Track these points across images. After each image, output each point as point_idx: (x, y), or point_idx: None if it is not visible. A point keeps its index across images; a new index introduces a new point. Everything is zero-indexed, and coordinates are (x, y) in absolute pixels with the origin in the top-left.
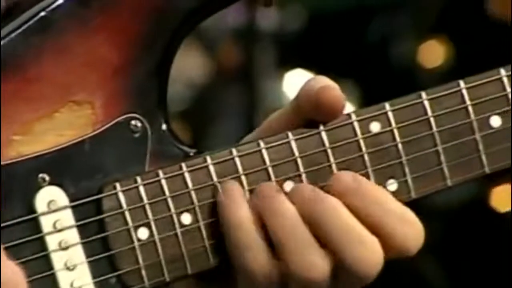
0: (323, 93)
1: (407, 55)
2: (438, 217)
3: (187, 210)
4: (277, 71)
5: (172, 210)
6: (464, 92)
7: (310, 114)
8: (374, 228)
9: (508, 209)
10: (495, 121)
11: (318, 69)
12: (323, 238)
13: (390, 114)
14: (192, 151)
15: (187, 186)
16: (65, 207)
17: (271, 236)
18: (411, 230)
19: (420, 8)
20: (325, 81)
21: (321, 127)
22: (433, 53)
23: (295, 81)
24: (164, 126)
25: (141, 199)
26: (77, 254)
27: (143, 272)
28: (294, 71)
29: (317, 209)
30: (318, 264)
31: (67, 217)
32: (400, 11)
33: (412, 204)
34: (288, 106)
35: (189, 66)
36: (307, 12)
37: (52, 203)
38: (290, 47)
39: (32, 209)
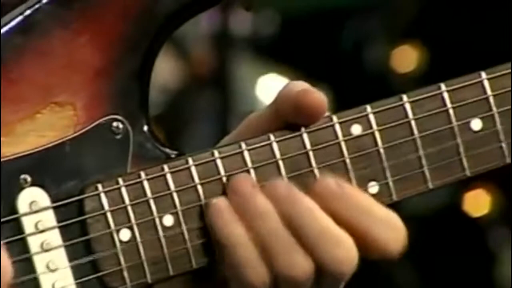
0: (304, 96)
1: (380, 60)
2: (411, 222)
3: (169, 212)
4: (251, 75)
5: (154, 211)
6: (445, 95)
7: (290, 117)
8: (357, 232)
9: (480, 213)
10: (476, 125)
11: (291, 74)
12: (300, 239)
13: (371, 116)
14: (173, 153)
15: (169, 188)
16: (47, 208)
17: (255, 237)
18: (394, 234)
19: (393, 13)
20: (304, 85)
21: (303, 129)
22: (406, 58)
23: (269, 86)
24: (145, 128)
25: (123, 200)
26: (59, 256)
27: (125, 274)
28: (268, 76)
29: (293, 211)
30: (300, 263)
31: (49, 218)
32: (373, 16)
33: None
34: (266, 109)
35: (163, 71)
36: (281, 17)
37: (34, 204)
38: (264, 51)
39: (14, 210)
